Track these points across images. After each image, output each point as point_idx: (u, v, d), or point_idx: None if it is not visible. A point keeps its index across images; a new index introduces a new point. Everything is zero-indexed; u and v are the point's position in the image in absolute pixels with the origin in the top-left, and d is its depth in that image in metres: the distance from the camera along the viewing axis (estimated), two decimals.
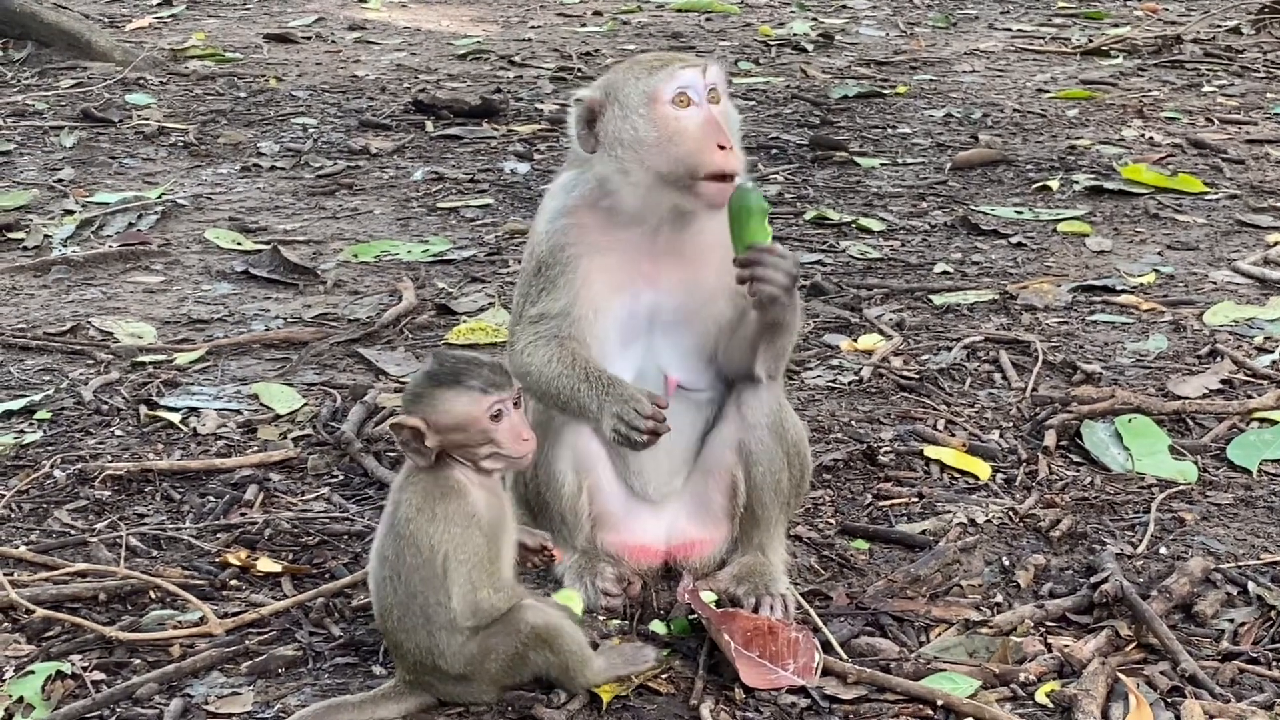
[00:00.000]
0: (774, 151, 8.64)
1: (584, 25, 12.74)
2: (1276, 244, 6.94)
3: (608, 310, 3.84)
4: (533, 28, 12.64)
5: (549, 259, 3.83)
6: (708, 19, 12.92)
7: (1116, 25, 12.56)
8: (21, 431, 4.99)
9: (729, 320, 3.86)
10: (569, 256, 3.81)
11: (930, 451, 4.79)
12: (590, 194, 3.83)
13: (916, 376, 5.41)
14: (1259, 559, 4.18)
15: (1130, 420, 4.93)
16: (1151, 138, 8.86)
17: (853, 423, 5.05)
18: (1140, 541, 4.27)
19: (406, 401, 3.44)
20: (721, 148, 3.69)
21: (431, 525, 3.35)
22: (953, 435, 4.93)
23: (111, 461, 4.73)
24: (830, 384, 5.38)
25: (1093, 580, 3.97)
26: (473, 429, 3.39)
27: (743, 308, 3.82)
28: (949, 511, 4.43)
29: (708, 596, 3.82)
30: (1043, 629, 3.83)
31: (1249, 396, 5.22)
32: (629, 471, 3.94)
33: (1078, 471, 4.73)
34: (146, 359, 5.60)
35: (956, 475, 4.70)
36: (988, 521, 4.37)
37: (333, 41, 11.96)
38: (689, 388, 3.92)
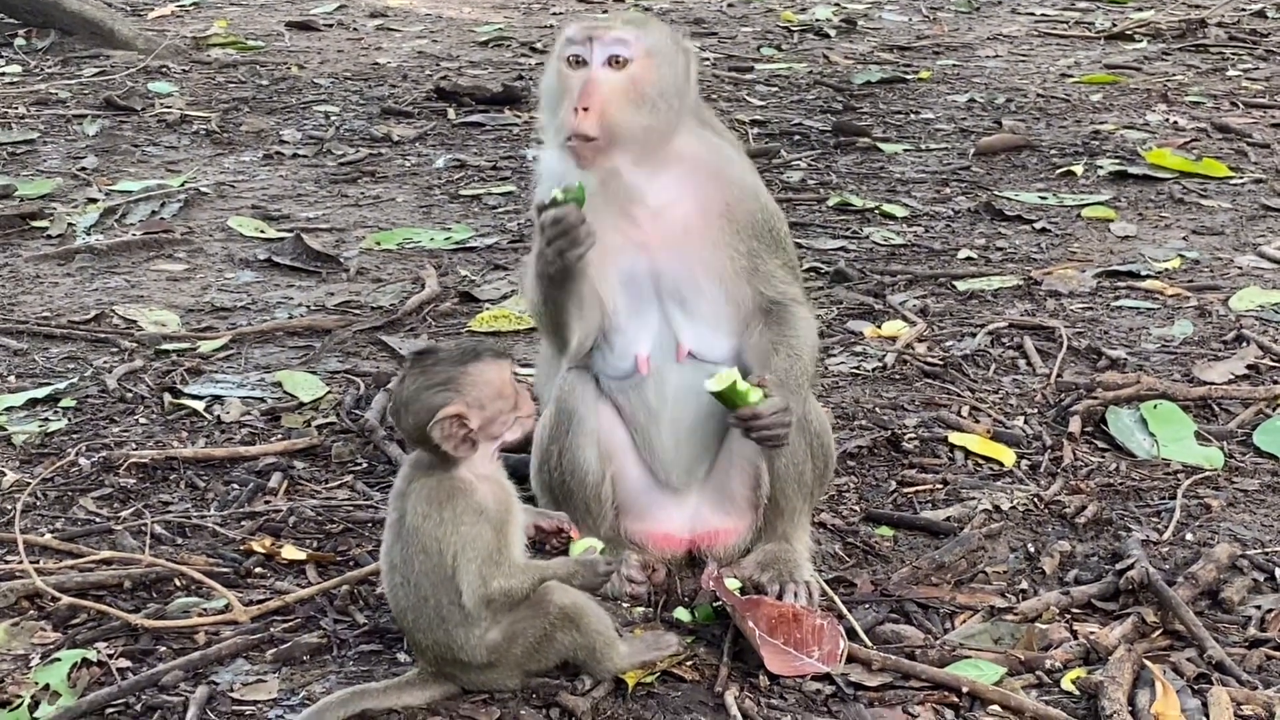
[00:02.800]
0: (796, 138, 8.62)
1: (605, 11, 12.71)
2: None
3: (603, 267, 3.79)
4: (554, 14, 12.63)
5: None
6: (729, 4, 12.89)
7: (1140, 9, 12.49)
8: (46, 419, 5.00)
9: (747, 299, 3.85)
10: None
11: (955, 438, 4.78)
12: None
13: (940, 363, 5.40)
14: None
15: (1156, 406, 4.91)
16: (1176, 122, 8.81)
17: (877, 409, 5.04)
18: (1166, 528, 4.25)
19: (434, 395, 3.39)
20: (583, 109, 3.63)
21: (440, 529, 3.34)
22: (977, 422, 4.91)
23: (136, 449, 4.74)
24: (854, 370, 5.37)
25: (1118, 567, 3.96)
26: (505, 392, 3.43)
27: (755, 290, 3.84)
28: (973, 498, 4.41)
29: (732, 584, 3.81)
30: (1068, 615, 3.82)
31: (1275, 382, 5.19)
32: (653, 458, 3.94)
33: (1103, 458, 4.71)
34: (170, 347, 5.61)
35: (981, 462, 4.68)
36: (1012, 508, 4.36)
37: (354, 29, 11.96)
38: (701, 357, 3.85)
